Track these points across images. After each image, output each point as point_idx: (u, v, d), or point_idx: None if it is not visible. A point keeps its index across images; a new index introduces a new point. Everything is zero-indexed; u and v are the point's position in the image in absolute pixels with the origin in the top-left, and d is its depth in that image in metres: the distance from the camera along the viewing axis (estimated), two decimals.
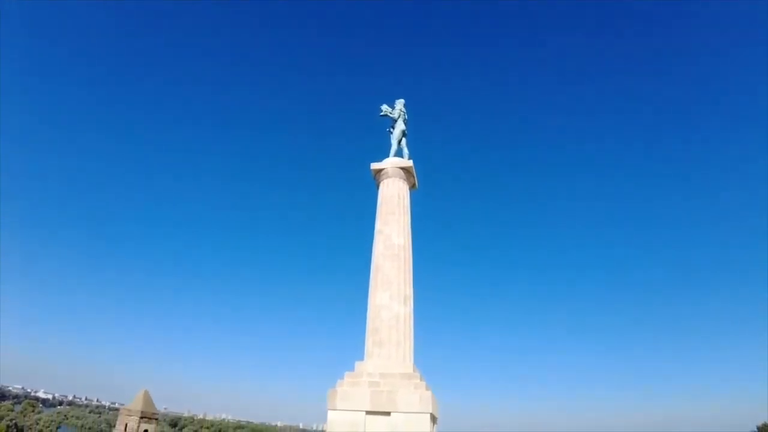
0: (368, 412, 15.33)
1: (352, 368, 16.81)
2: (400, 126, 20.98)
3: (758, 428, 46.36)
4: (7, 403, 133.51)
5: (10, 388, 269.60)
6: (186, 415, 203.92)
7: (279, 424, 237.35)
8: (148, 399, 25.69)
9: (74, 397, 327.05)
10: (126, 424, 24.75)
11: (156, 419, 25.97)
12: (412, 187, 20.52)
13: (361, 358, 17.17)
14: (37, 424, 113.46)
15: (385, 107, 21.30)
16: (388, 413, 15.15)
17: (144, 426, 24.79)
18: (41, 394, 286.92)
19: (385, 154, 20.59)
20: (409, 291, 18.01)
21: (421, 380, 16.03)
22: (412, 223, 19.47)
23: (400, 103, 21.41)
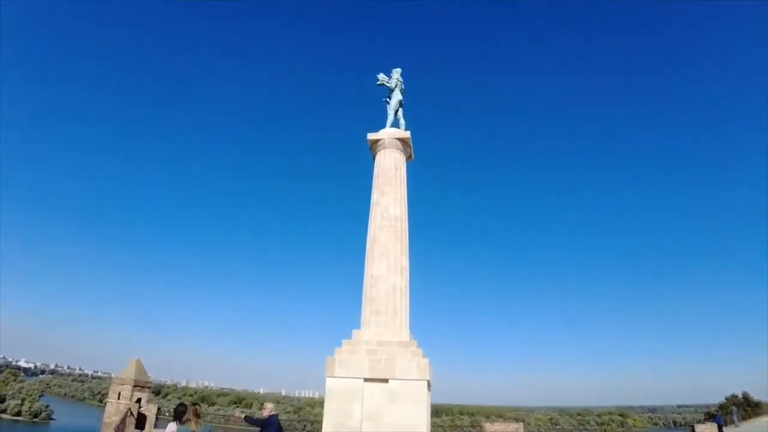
0: (366, 379, 15.66)
1: (348, 337, 17.06)
2: (396, 96, 20.69)
3: (726, 399, 48.86)
4: None
5: None
6: (169, 383, 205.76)
7: (261, 390, 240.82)
8: (140, 368, 25.75)
9: (56, 366, 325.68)
10: (119, 393, 24.81)
11: (149, 387, 26.11)
12: (408, 158, 20.46)
13: (357, 328, 17.40)
14: (20, 393, 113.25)
15: (381, 76, 20.93)
16: (385, 380, 15.52)
17: (137, 394, 24.91)
18: (22, 364, 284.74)
19: (382, 125, 20.38)
20: (406, 262, 18.19)
21: (417, 348, 16.39)
22: (408, 195, 19.51)
23: (396, 73, 21.05)
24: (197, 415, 8.36)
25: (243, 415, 11.69)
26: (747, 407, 46.37)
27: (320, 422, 16.00)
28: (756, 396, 49.20)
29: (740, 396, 48.99)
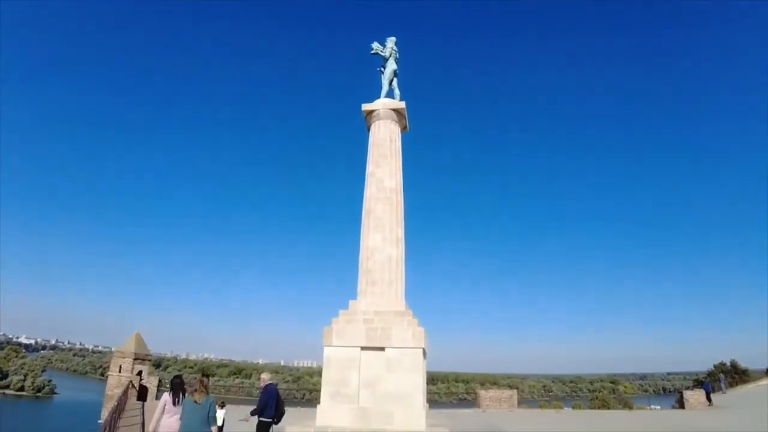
0: (363, 348, 15.90)
1: (345, 307, 17.24)
2: (391, 65, 20.30)
3: (715, 367, 50.03)
4: None
5: None
6: (169, 355, 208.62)
7: (260, 361, 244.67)
8: (140, 341, 26.04)
9: (57, 341, 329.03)
10: (120, 366, 25.14)
11: (149, 360, 26.45)
12: (403, 129, 20.25)
13: (354, 298, 17.57)
14: (22, 368, 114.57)
15: (375, 45, 20.48)
16: (382, 348, 15.77)
17: (138, 367, 25.25)
18: (23, 340, 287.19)
19: (377, 96, 20.09)
20: (401, 233, 18.24)
21: (413, 318, 16.59)
22: (403, 166, 19.41)
23: (391, 42, 20.59)
24: (204, 387, 8.52)
25: (249, 415, 11.43)
26: (735, 375, 47.53)
27: (319, 390, 16.32)
28: (744, 364, 50.51)
29: (728, 364, 50.20)
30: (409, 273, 18.37)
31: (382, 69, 20.55)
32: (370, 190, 18.50)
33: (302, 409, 22.09)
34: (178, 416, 8.92)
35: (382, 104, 19.60)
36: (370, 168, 18.95)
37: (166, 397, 9.37)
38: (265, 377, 11.17)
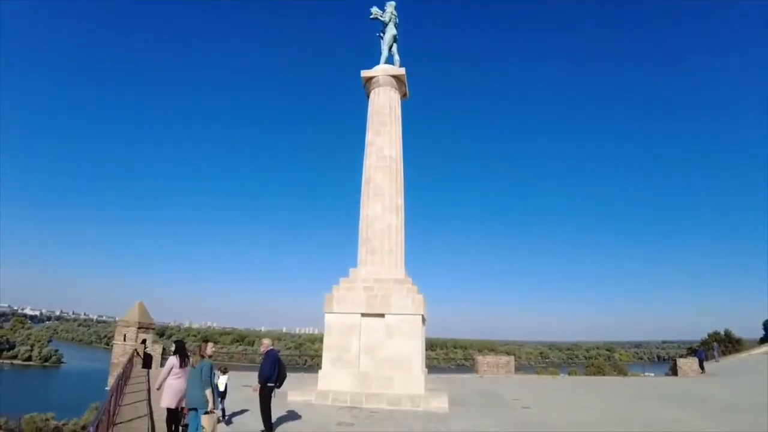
0: (363, 315, 16.13)
1: (346, 275, 17.39)
2: (391, 31, 19.81)
3: (709, 336, 50.79)
4: None
5: None
6: (172, 324, 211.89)
7: (263, 329, 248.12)
8: (143, 310, 26.36)
9: (61, 312, 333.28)
10: (125, 335, 25.50)
11: (153, 329, 26.83)
12: (403, 96, 19.94)
13: (355, 267, 17.70)
14: (28, 339, 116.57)
15: (375, 10, 19.94)
16: (382, 315, 15.99)
17: (142, 335, 25.64)
18: (28, 311, 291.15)
19: (376, 62, 19.69)
20: (401, 201, 18.21)
21: (412, 285, 16.77)
22: (403, 134, 19.22)
23: (390, 6, 20.05)
24: (200, 351, 8.64)
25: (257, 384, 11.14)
26: (728, 344, 48.41)
27: (320, 357, 16.64)
28: (738, 334, 51.35)
29: (722, 333, 51.03)
30: (408, 241, 18.47)
31: (382, 34, 20.08)
32: (370, 159, 18.37)
33: (304, 375, 22.57)
34: (184, 378, 9.14)
35: (381, 71, 19.23)
36: (369, 136, 18.76)
37: (173, 360, 9.61)
38: (267, 343, 11.30)
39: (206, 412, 8.04)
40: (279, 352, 12.06)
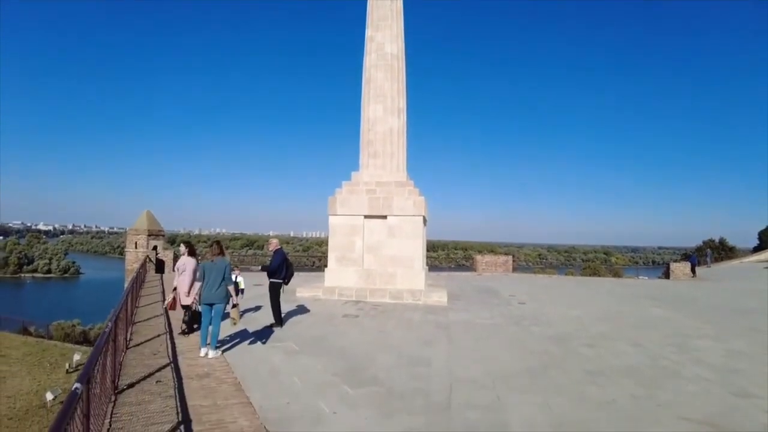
0: (366, 216, 16.45)
1: (347, 179, 17.44)
2: None
3: (703, 243, 51.85)
4: (12, 238, 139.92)
5: (10, 225, 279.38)
6: (182, 232, 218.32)
7: (271, 233, 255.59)
8: (151, 217, 26.93)
9: (74, 226, 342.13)
10: (136, 243, 26.28)
11: (162, 235, 27.58)
12: None
13: (356, 170, 17.67)
14: (46, 253, 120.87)
15: None
16: (384, 217, 16.29)
17: (152, 242, 26.43)
18: (42, 227, 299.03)
19: None
20: (403, 103, 17.68)
21: (414, 188, 16.85)
22: (405, 30, 18.11)
23: None
24: (220, 248, 8.68)
25: (260, 270, 11.94)
26: (722, 251, 49.78)
27: (326, 257, 17.24)
28: (732, 242, 52.59)
29: (717, 241, 52.24)
30: (410, 144, 18.23)
31: None
32: (370, 57, 17.51)
33: (312, 274, 23.60)
34: (194, 275, 9.56)
35: None
36: (369, 32, 17.71)
37: (184, 258, 10.02)
38: (275, 242, 11.66)
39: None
40: (288, 253, 12.48)
